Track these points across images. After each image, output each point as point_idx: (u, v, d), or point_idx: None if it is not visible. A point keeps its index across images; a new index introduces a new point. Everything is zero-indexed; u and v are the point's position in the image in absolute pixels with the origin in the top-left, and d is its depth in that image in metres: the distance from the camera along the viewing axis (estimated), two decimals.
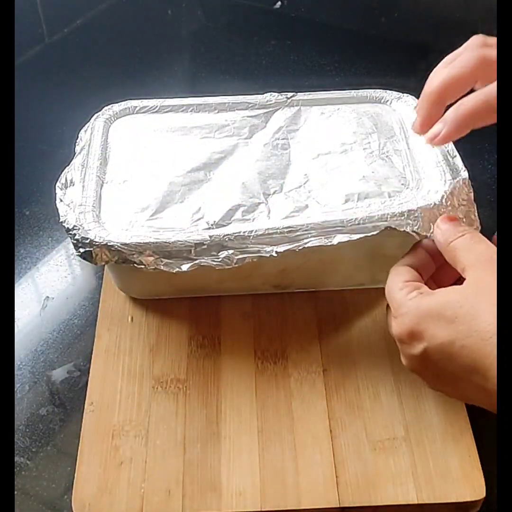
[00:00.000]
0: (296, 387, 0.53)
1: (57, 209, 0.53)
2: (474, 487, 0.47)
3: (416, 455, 0.49)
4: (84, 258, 0.51)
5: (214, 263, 0.50)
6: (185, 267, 0.50)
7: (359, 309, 0.58)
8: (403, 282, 0.44)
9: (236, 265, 0.50)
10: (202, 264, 0.50)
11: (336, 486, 0.47)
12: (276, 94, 0.64)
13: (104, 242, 0.50)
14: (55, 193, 0.54)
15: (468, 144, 0.76)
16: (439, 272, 0.47)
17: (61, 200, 0.54)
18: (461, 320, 0.38)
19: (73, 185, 0.55)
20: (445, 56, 0.58)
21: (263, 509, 0.47)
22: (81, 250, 0.51)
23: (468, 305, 0.38)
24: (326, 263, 0.55)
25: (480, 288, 0.39)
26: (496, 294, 0.37)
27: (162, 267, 0.50)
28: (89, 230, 0.51)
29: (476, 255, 0.42)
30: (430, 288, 0.44)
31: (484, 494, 0.47)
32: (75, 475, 0.49)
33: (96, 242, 0.50)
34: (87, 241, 0.50)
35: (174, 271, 0.50)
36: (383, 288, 0.59)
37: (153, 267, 0.50)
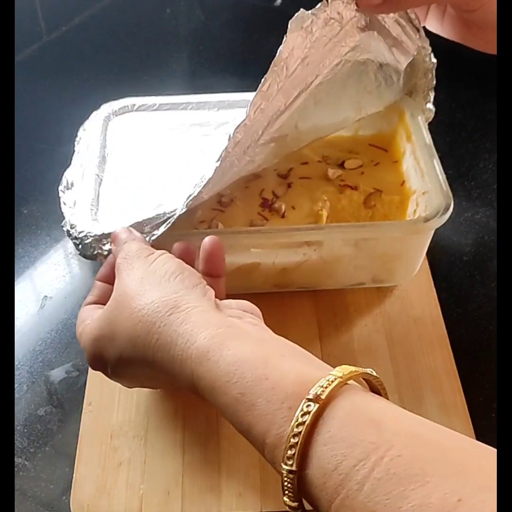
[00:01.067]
0: None
1: (62, 213, 0.52)
2: None
3: None
4: (84, 256, 0.51)
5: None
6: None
7: (359, 308, 0.58)
8: (82, 322, 0.44)
9: None
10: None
11: None
12: None
13: (100, 233, 0.50)
14: (59, 197, 0.54)
15: (469, 143, 0.76)
16: None
17: (64, 203, 0.53)
18: (116, 336, 0.40)
19: (73, 186, 0.55)
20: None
21: (263, 510, 0.47)
22: (80, 247, 0.50)
23: (115, 321, 0.40)
24: (326, 262, 0.55)
25: (119, 296, 0.41)
26: (131, 298, 0.39)
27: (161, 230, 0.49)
28: (86, 227, 0.51)
29: (119, 254, 0.44)
30: None
31: None
32: (74, 475, 0.49)
33: (91, 234, 0.50)
34: (84, 235, 0.50)
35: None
36: (384, 288, 0.59)
37: (149, 238, 0.49)
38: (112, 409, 0.52)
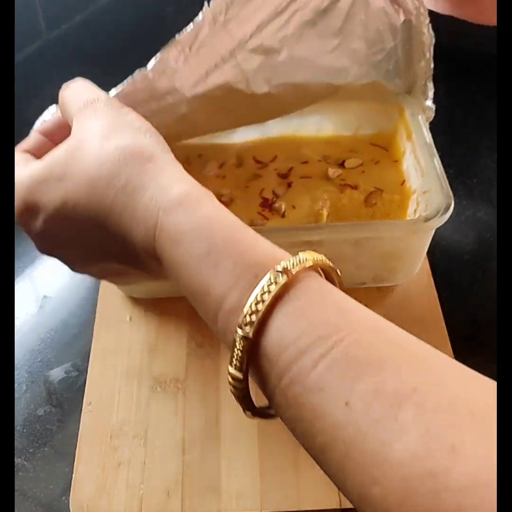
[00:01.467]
0: None
1: None
2: None
3: None
4: None
5: None
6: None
7: None
8: (18, 166, 0.39)
9: None
10: None
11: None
12: None
13: None
14: None
15: (470, 141, 0.76)
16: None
17: None
18: (68, 175, 0.35)
19: None
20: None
21: (263, 511, 0.46)
22: None
23: (74, 158, 0.35)
24: None
25: (83, 135, 0.36)
26: (100, 137, 0.35)
27: None
28: None
29: (77, 100, 0.39)
30: None
31: None
32: (73, 476, 0.48)
33: None
34: None
35: None
36: (384, 287, 0.59)
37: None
38: (112, 409, 0.52)
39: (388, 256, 0.55)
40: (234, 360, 0.29)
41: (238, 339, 0.29)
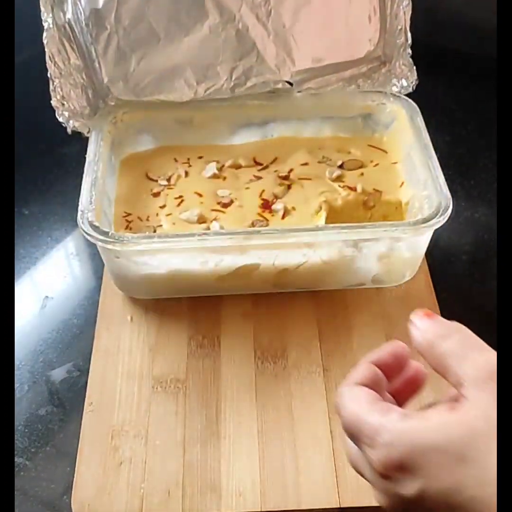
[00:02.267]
0: (296, 387, 0.53)
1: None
2: None
3: None
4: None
5: None
6: None
7: (359, 309, 0.58)
8: (369, 403, 0.34)
9: None
10: None
11: (336, 486, 0.47)
12: None
13: None
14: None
15: (468, 143, 0.76)
16: (395, 384, 0.38)
17: None
18: (472, 463, 0.29)
19: None
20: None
21: (263, 510, 0.47)
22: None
23: (482, 445, 0.29)
24: (326, 263, 0.55)
25: (492, 422, 0.30)
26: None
27: None
28: None
29: (476, 368, 0.32)
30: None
31: None
32: (75, 475, 0.49)
33: None
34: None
35: None
36: (383, 288, 0.59)
37: None
38: (113, 408, 0.52)
39: (387, 257, 0.55)
40: None
41: None
